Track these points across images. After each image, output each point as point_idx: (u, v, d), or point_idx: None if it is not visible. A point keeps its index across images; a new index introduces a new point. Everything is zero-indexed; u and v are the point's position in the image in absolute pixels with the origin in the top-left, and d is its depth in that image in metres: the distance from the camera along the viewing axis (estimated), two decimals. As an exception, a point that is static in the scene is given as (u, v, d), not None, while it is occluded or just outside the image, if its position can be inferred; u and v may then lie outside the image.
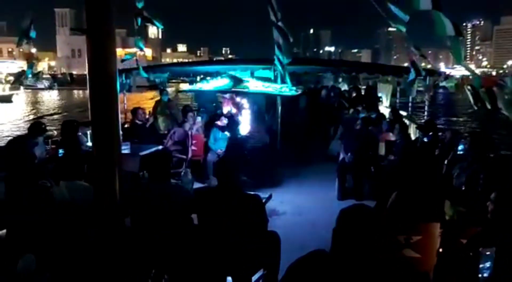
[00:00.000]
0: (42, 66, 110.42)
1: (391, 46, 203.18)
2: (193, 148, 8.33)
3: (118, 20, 2.90)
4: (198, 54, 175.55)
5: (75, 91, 60.04)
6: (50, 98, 54.82)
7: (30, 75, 6.76)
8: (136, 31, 7.16)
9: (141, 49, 7.46)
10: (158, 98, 10.93)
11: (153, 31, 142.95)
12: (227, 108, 10.39)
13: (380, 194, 5.51)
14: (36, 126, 6.12)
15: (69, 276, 2.74)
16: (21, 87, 46.82)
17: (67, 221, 2.95)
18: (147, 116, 8.92)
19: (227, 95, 10.50)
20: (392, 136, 7.80)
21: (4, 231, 3.46)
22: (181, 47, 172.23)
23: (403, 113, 10.94)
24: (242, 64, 11.68)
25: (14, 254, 2.70)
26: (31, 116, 32.03)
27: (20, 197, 3.18)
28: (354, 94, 12.55)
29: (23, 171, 3.45)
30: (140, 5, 5.80)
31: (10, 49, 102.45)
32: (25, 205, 3.07)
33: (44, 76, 69.24)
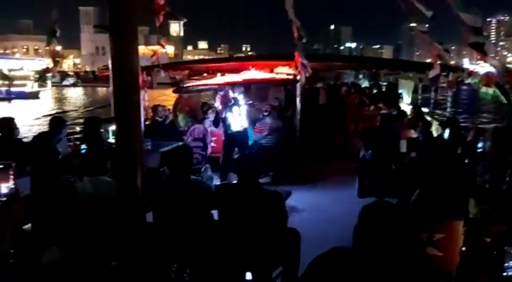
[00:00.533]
0: (67, 63, 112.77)
1: (413, 42, 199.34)
2: (213, 144, 8.38)
3: (141, 18, 2.94)
4: (219, 51, 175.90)
5: (99, 88, 61.15)
6: (75, 95, 56.09)
7: (56, 73, 6.89)
8: (157, 29, 7.21)
9: (163, 47, 7.50)
10: (178, 95, 11.01)
11: (175, 28, 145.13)
12: (216, 104, 10.37)
13: (401, 191, 5.44)
14: (56, 121, 6.21)
15: (92, 269, 2.80)
16: (49, 84, 48.03)
17: (91, 215, 3.00)
18: (167, 113, 9.00)
19: (222, 92, 10.45)
20: (413, 134, 7.69)
21: (29, 225, 3.56)
22: (202, 44, 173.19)
23: (425, 110, 10.78)
24: (261, 60, 11.66)
25: (39, 247, 2.75)
26: (57, 112, 32.81)
27: (45, 192, 3.25)
28: (375, 91, 12.42)
29: (48, 166, 3.52)
30: (161, 1, 5.83)
31: (36, 47, 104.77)
32: (50, 200, 3.14)
33: (69, 73, 70.84)
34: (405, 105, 12.29)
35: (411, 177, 6.01)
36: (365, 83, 14.80)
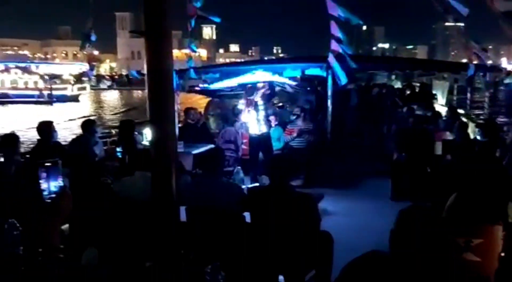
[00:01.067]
0: (104, 67, 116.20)
1: (448, 42, 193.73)
2: (244, 147, 8.41)
3: (174, 23, 2.99)
4: (250, 53, 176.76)
5: (134, 92, 62.69)
6: (112, 98, 57.69)
7: (92, 77, 7.12)
8: (189, 33, 7.30)
9: (194, 51, 7.60)
10: (210, 98, 11.13)
11: (207, 32, 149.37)
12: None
13: (436, 195, 5.32)
14: (88, 123, 6.37)
15: (128, 270, 2.85)
16: (88, 88, 49.76)
17: (127, 216, 3.07)
18: (198, 116, 9.10)
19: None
20: (449, 136, 7.51)
21: (67, 225, 3.66)
22: (234, 47, 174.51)
23: (461, 111, 10.50)
24: (292, 62, 11.63)
25: (77, 248, 2.83)
26: (95, 114, 34.03)
27: (83, 193, 3.34)
28: (408, 92, 12.20)
29: (85, 168, 3.62)
30: (198, 4, 5.90)
31: (75, 52, 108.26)
32: (88, 201, 3.23)
33: (105, 76, 73.21)
34: (440, 106, 12.01)
35: (447, 180, 5.86)
36: (397, 84, 14.55)
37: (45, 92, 45.50)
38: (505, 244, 2.97)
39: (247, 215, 3.68)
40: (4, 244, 2.82)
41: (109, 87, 67.56)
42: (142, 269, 2.82)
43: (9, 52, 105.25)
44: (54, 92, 45.02)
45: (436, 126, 8.15)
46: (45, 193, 2.56)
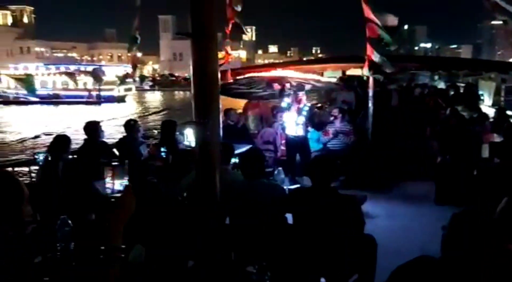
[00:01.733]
0: (147, 69, 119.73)
1: (495, 41, 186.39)
2: (283, 147, 8.39)
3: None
4: (289, 54, 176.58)
5: (176, 92, 64.05)
6: (155, 99, 59.51)
7: (137, 78, 7.31)
8: (227, 35, 7.32)
9: (227, 53, 7.63)
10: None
11: (248, 34, 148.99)
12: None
13: (484, 199, 5.13)
14: (129, 124, 6.52)
15: (173, 267, 2.90)
16: (133, 89, 51.63)
17: (174, 215, 3.12)
18: (238, 117, 9.15)
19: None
20: (496, 138, 7.22)
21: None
22: (272, 48, 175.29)
23: (510, 112, 10.08)
24: (332, 63, 11.53)
25: (125, 245, 2.90)
26: (142, 114, 35.37)
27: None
28: (451, 93, 11.82)
29: (133, 167, 3.71)
30: (239, 7, 5.94)
31: (119, 54, 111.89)
32: (135, 199, 3.30)
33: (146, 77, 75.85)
34: (486, 107, 11.57)
35: (495, 183, 5.64)
36: (441, 85, 14.13)
37: (94, 93, 47.51)
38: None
39: (289, 217, 3.68)
40: (56, 239, 2.94)
41: (151, 88, 69.53)
42: (187, 269, 2.87)
43: (59, 54, 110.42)
44: (102, 93, 46.99)
45: (483, 128, 7.84)
46: (109, 191, 2.66)
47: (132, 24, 5.38)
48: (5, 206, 1.96)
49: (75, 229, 3.02)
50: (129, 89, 50.55)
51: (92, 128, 5.79)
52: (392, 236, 5.18)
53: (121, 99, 47.80)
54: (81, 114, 27.61)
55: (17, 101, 47.54)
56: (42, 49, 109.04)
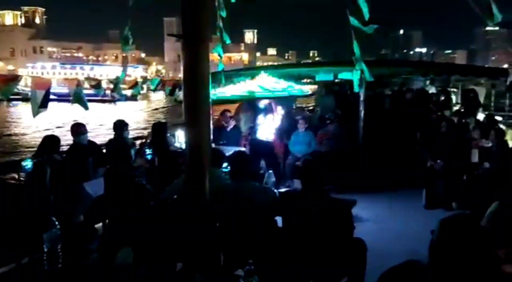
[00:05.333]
0: (151, 69, 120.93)
1: (489, 47, 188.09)
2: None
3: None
4: (286, 57, 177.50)
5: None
6: (162, 97, 61.36)
7: (121, 79, 7.28)
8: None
9: (220, 56, 7.59)
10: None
11: (249, 36, 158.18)
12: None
13: (474, 204, 5.16)
14: (121, 123, 6.46)
15: (163, 268, 2.88)
16: (145, 88, 52.89)
17: (162, 216, 3.10)
18: (229, 119, 9.12)
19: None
20: (486, 143, 7.27)
21: (101, 224, 3.73)
22: (271, 51, 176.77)
23: (499, 118, 10.17)
24: (324, 66, 11.55)
25: (113, 247, 2.88)
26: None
27: (118, 193, 3.40)
28: (442, 98, 11.89)
29: (121, 168, 3.68)
30: (223, 13, 5.94)
31: (124, 55, 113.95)
32: (123, 201, 3.28)
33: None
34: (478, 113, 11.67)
35: (485, 188, 5.69)
36: (432, 90, 14.21)
37: (108, 92, 48.28)
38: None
39: (278, 220, 3.66)
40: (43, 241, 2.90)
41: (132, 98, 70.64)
42: (174, 270, 2.85)
43: (67, 54, 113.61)
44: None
45: (472, 133, 7.90)
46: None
47: (127, 23, 5.37)
48: None
49: (62, 231, 2.99)
50: (141, 89, 52.37)
51: (78, 129, 5.73)
52: (382, 240, 5.19)
53: (133, 98, 49.45)
54: (98, 111, 28.72)
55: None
56: (54, 49, 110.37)
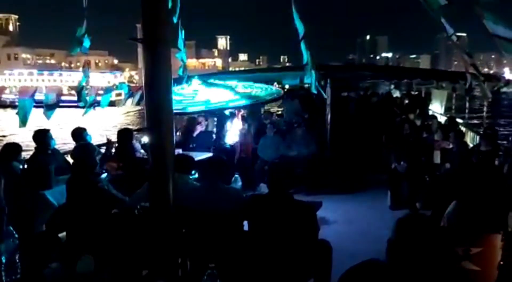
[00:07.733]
0: (124, 75, 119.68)
1: (451, 52, 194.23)
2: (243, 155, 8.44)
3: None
4: (258, 62, 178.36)
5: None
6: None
7: (83, 83, 7.15)
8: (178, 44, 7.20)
9: (182, 61, 7.55)
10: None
11: (222, 42, 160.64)
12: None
13: (435, 203, 5.31)
14: (78, 131, 6.29)
15: (126, 277, 2.83)
16: (123, 94, 52.84)
17: (126, 224, 3.05)
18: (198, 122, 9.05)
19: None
20: (447, 144, 7.50)
21: (64, 233, 3.63)
22: (242, 56, 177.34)
23: (460, 120, 10.52)
24: (291, 71, 11.68)
25: (73, 255, 2.81)
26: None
27: (80, 201, 3.33)
28: (406, 101, 12.22)
29: (87, 177, 3.58)
30: (175, 19, 5.94)
31: (97, 61, 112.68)
32: (84, 208, 3.21)
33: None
34: (439, 115, 12.03)
35: (446, 188, 5.85)
36: (396, 93, 14.59)
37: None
38: (504, 253, 2.96)
39: (245, 223, 3.66)
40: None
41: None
42: (139, 277, 2.80)
43: (40, 61, 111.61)
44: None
45: (434, 135, 8.13)
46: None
47: (80, 25, 5.27)
48: None
49: (21, 241, 2.90)
50: (120, 95, 51.28)
51: (41, 136, 5.56)
52: (348, 240, 5.26)
53: (112, 104, 48.68)
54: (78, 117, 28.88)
55: (14, 105, 48.47)
56: (28, 56, 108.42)
